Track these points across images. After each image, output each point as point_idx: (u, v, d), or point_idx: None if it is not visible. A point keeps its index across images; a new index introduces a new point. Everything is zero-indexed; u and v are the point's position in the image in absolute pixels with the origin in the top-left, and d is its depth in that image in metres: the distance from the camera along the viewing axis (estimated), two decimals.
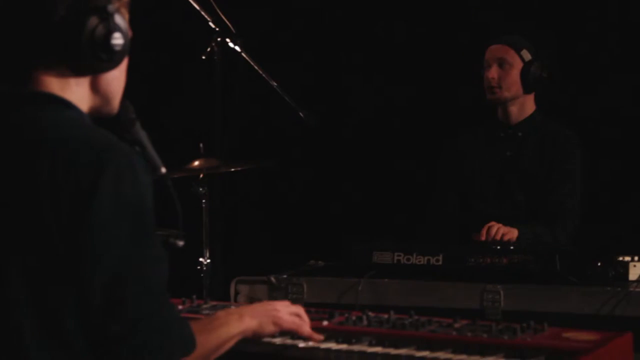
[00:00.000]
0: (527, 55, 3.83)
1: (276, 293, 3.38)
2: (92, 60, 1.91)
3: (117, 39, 1.93)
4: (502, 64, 3.84)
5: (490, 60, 3.87)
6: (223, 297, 3.58)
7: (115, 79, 2.00)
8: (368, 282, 3.33)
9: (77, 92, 1.95)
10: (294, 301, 3.18)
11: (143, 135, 2.16)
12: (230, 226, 4.74)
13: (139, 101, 2.33)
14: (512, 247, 3.41)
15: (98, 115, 1.98)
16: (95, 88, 1.97)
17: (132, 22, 2.02)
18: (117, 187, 1.79)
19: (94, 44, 1.90)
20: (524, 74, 3.82)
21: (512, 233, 3.59)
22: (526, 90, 3.86)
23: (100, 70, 1.95)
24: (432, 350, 2.16)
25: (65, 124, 1.87)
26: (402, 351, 2.18)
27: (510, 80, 3.83)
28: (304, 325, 2.24)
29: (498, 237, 3.54)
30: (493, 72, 3.84)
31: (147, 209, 1.84)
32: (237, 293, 3.43)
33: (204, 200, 3.86)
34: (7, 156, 1.85)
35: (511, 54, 3.83)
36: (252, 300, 3.38)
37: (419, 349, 2.18)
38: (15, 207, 1.80)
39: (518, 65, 3.83)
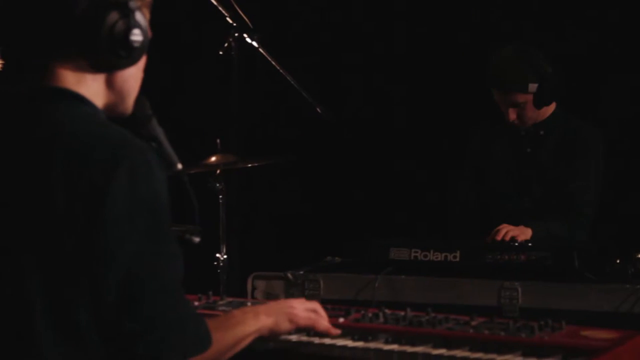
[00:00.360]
0: (533, 87, 3.78)
1: (293, 289, 3.37)
2: (110, 56, 1.91)
3: (137, 36, 1.92)
4: (516, 106, 3.82)
5: (503, 104, 3.84)
6: (240, 292, 3.58)
7: (132, 77, 1.99)
8: (385, 278, 3.32)
9: (92, 87, 1.94)
10: (310, 297, 3.18)
11: (159, 132, 2.16)
12: (247, 222, 4.74)
13: (156, 97, 2.33)
14: (530, 244, 3.39)
15: (112, 113, 1.98)
16: (111, 85, 1.97)
17: (150, 16, 2.01)
18: (131, 184, 1.78)
19: (113, 39, 1.89)
20: (537, 103, 3.80)
21: (525, 234, 3.57)
22: (539, 107, 3.84)
23: (118, 67, 1.95)
24: (449, 348, 2.15)
25: (80, 120, 1.87)
26: (419, 349, 2.16)
27: (529, 114, 3.83)
28: (321, 320, 2.24)
29: (507, 239, 3.52)
30: (512, 116, 3.82)
31: (162, 205, 1.83)
32: (254, 289, 3.43)
33: (220, 196, 3.86)
34: (22, 151, 1.84)
35: (522, 97, 3.80)
36: (269, 295, 3.38)
37: (435, 346, 2.17)
38: (29, 204, 1.80)
39: (530, 100, 3.80)
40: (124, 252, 1.77)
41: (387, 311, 2.35)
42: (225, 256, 3.84)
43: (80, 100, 1.90)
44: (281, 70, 3.98)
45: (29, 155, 1.83)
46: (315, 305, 2.27)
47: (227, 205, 3.87)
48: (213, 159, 3.81)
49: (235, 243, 4.17)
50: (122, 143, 1.83)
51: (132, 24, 1.91)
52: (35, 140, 1.84)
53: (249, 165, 3.90)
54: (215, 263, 3.84)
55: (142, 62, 1.98)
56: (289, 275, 3.38)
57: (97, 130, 1.86)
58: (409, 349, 2.16)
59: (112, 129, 1.87)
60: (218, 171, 3.84)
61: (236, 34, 3.97)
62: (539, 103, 3.78)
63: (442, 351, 2.13)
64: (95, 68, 1.93)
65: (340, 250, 3.65)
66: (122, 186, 1.78)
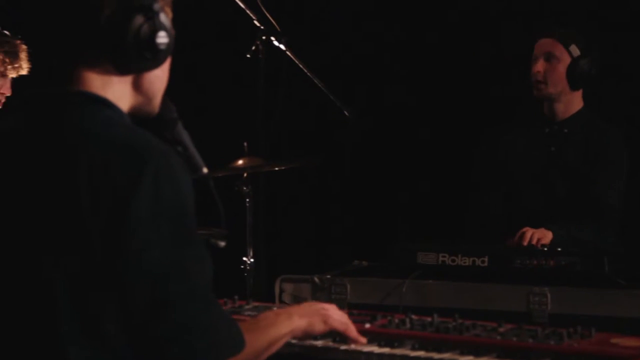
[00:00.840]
0: (575, 51, 3.74)
1: (319, 293, 3.35)
2: (136, 59, 1.91)
3: (162, 38, 1.92)
4: (549, 58, 3.76)
5: (538, 54, 3.80)
6: (267, 296, 3.57)
7: (158, 79, 1.99)
8: (412, 283, 3.30)
9: (118, 90, 1.94)
10: (337, 302, 3.16)
11: (185, 135, 2.15)
12: (274, 225, 4.73)
13: (183, 100, 2.33)
14: (559, 249, 3.36)
15: (139, 115, 1.97)
16: (137, 87, 1.97)
17: (176, 19, 2.01)
18: (156, 188, 1.77)
19: (139, 42, 1.89)
20: (570, 70, 3.74)
21: (546, 237, 3.53)
22: (573, 87, 3.78)
23: (144, 69, 1.95)
24: (476, 355, 2.12)
25: (105, 124, 1.86)
26: (445, 355, 2.14)
27: (557, 76, 3.76)
28: (352, 326, 2.22)
29: (534, 242, 3.48)
30: (539, 67, 3.77)
31: (187, 208, 1.82)
32: (281, 291, 3.41)
33: (247, 199, 3.85)
34: (47, 157, 1.84)
35: (559, 49, 3.75)
36: (296, 298, 3.36)
37: (462, 353, 2.15)
38: (54, 210, 1.79)
39: (566, 60, 3.75)
40: (150, 256, 1.76)
41: (414, 317, 2.33)
42: (252, 260, 3.83)
43: (105, 104, 1.90)
44: (308, 73, 3.97)
45: (54, 160, 1.83)
46: (344, 315, 2.26)
47: (254, 209, 3.86)
48: (240, 162, 3.80)
49: (262, 246, 4.16)
50: (147, 147, 1.83)
51: (157, 27, 1.91)
52: (59, 145, 1.83)
53: (276, 168, 3.89)
54: (242, 267, 3.84)
55: (167, 64, 1.98)
56: (316, 279, 3.37)
57: (122, 134, 1.85)
58: (435, 355, 2.14)
59: (136, 133, 1.87)
60: (245, 174, 3.83)
61: (263, 37, 3.96)
62: (572, 73, 3.72)
63: (469, 358, 2.11)
64: (121, 71, 1.93)
65: (368, 254, 3.63)
66: (147, 190, 1.77)
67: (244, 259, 3.83)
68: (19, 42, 3.45)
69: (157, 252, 1.76)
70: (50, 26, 1.95)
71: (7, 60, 3.37)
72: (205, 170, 2.16)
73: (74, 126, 1.86)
